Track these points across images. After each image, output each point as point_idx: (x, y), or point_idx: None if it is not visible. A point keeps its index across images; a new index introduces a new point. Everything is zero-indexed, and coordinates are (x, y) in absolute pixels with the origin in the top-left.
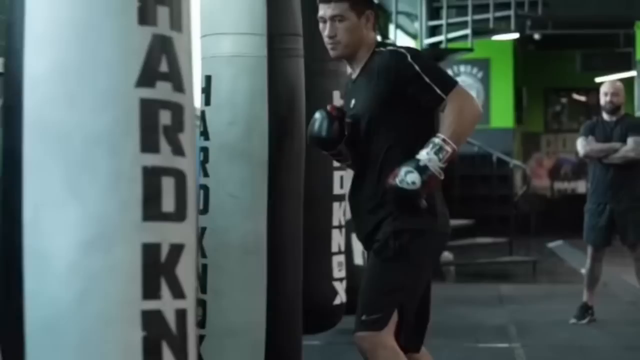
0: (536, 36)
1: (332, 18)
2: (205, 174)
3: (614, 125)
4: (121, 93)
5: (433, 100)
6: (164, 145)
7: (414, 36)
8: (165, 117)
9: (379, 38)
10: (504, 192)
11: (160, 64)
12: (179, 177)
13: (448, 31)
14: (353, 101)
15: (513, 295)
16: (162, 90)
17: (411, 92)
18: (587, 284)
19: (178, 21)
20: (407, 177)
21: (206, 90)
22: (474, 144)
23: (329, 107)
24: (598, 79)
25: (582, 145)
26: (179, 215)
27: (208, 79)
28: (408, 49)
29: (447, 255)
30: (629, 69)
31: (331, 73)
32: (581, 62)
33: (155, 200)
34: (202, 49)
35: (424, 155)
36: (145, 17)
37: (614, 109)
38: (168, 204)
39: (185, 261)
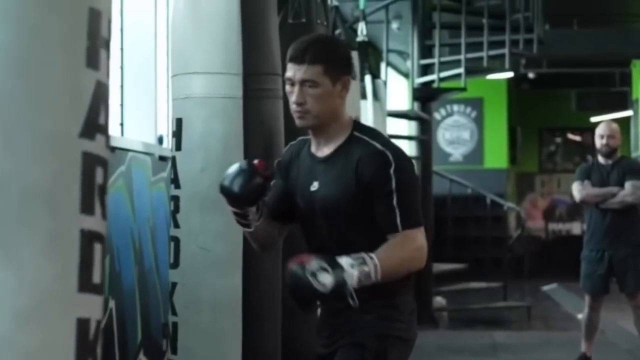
0: (530, 75)
1: (302, 82)
2: (176, 225)
3: (611, 169)
4: (65, 142)
5: (385, 225)
6: (97, 206)
7: (405, 75)
8: (99, 175)
9: (369, 78)
10: (497, 234)
11: (100, 114)
12: (104, 245)
13: (440, 70)
14: (316, 183)
15: (508, 343)
16: (99, 145)
17: (375, 202)
18: (585, 333)
19: (109, 68)
20: (320, 274)
21: (177, 134)
22: (467, 185)
23: (256, 162)
24: (593, 119)
25: (578, 190)
26: (102, 287)
27: (179, 122)
28: (397, 153)
29: (439, 301)
30: (625, 108)
31: None
32: (576, 101)
33: (89, 270)
34: (172, 89)
35: (346, 262)
36: (92, 59)
37: (610, 152)
38: (97, 274)
39: (101, 340)
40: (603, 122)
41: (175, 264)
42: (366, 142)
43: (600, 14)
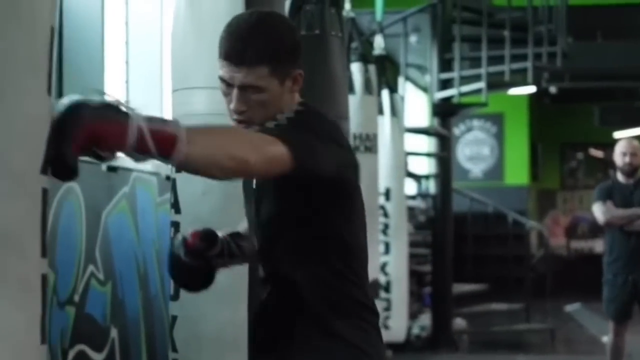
0: (552, 89)
1: (243, 88)
2: None
3: (634, 188)
4: (31, 179)
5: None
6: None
7: (424, 89)
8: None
9: (386, 93)
10: (519, 253)
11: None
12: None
13: (461, 84)
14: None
15: None
16: (48, 180)
17: None
18: (612, 358)
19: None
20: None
21: None
22: (488, 203)
23: (190, 236)
24: (617, 134)
25: (601, 211)
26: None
27: None
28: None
29: (459, 323)
30: None
31: None
32: (599, 116)
33: (44, 319)
34: (173, 105)
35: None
36: (49, 86)
37: (632, 171)
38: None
39: None
40: (624, 140)
41: (175, 296)
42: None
43: (624, 27)
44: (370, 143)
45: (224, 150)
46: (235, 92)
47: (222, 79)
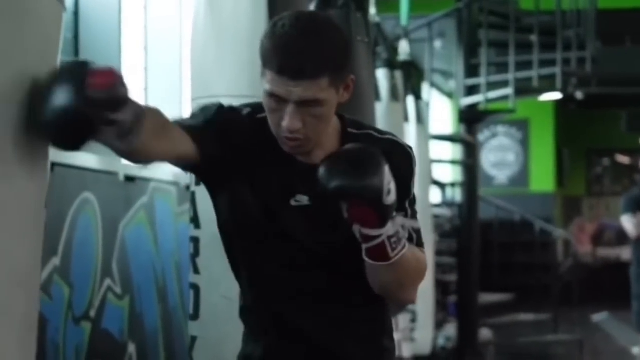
0: (579, 95)
1: (301, 103)
2: (196, 271)
3: None
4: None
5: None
6: None
7: (448, 95)
8: None
9: (411, 99)
10: (546, 261)
11: None
12: None
13: (487, 90)
14: (303, 199)
15: None
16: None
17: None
18: None
19: None
20: None
21: None
22: (515, 211)
23: (98, 73)
24: None
25: (631, 223)
26: None
27: None
28: (402, 140)
29: (486, 334)
30: None
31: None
32: (627, 121)
33: None
34: None
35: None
36: None
37: None
38: None
39: None
40: None
41: (195, 315)
42: (369, 136)
43: None
44: None
45: (408, 277)
46: (290, 108)
47: (272, 94)
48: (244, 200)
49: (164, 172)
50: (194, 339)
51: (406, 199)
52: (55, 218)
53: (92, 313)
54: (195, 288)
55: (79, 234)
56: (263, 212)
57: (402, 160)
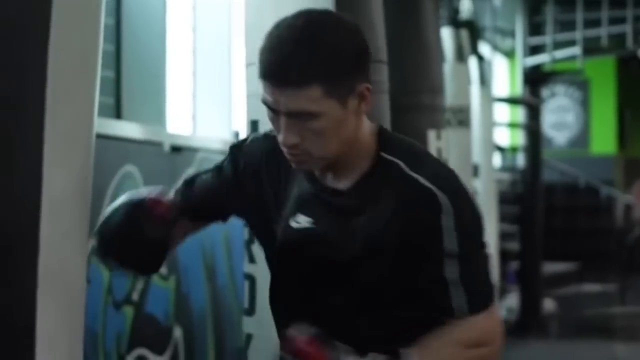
0: None
1: (291, 115)
2: (252, 260)
3: None
4: None
5: (435, 308)
6: None
7: (506, 54)
8: None
9: (474, 60)
10: (609, 226)
11: None
12: None
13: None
14: (308, 219)
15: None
16: None
17: (416, 272)
18: None
19: None
20: None
21: None
22: (578, 175)
23: (149, 198)
24: None
25: None
26: None
27: (254, 125)
28: (452, 189)
29: (549, 305)
30: None
31: (426, 108)
32: None
33: None
34: (247, 82)
35: None
36: None
37: None
38: None
39: None
40: None
41: (250, 310)
42: (401, 173)
43: None
44: (463, 116)
45: None
46: (282, 120)
47: (265, 103)
48: (254, 221)
49: (213, 140)
50: (249, 336)
51: (429, 264)
52: (94, 194)
53: (135, 296)
54: (251, 279)
55: None
56: (263, 231)
57: (423, 213)
